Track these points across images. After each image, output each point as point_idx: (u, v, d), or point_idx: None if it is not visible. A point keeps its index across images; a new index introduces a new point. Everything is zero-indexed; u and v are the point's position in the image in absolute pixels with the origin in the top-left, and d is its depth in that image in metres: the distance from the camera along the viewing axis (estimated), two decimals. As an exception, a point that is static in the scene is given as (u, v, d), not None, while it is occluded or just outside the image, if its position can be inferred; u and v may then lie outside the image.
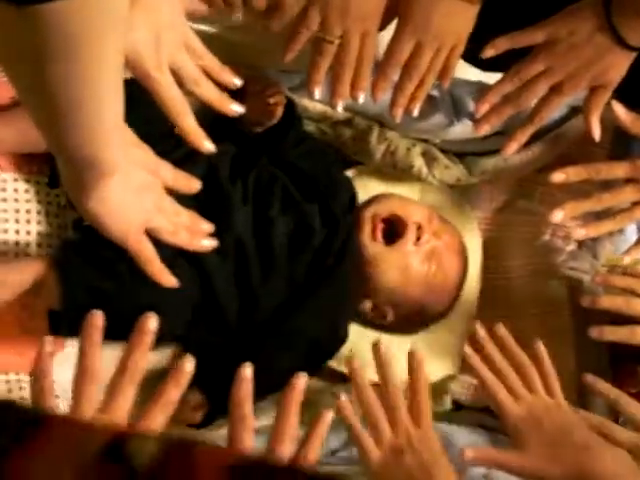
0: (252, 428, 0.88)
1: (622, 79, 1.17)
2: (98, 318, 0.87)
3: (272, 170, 1.23)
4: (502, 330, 1.16)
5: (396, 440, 1.01)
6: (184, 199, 1.06)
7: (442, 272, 1.27)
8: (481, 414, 1.20)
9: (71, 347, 1.08)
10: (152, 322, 0.87)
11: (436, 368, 1.26)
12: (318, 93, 1.15)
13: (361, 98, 1.15)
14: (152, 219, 0.99)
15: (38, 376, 0.87)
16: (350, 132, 1.31)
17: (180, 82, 0.94)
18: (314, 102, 1.25)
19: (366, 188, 1.32)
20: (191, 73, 0.96)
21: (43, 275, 1.05)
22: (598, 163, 1.22)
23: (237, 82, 1.02)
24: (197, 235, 1.04)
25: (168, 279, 1.01)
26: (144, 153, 0.96)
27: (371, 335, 1.28)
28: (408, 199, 1.32)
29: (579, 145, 1.31)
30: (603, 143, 1.27)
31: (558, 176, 1.19)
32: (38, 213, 1.14)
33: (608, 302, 1.19)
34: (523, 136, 1.21)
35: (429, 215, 1.27)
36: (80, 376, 0.85)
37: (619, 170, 1.20)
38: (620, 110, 1.19)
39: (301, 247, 1.21)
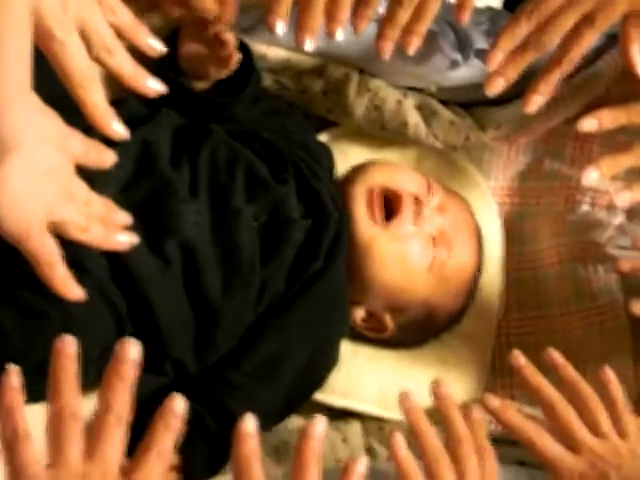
0: None
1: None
2: (69, 345, 0.81)
3: (230, 144, 1.09)
4: (555, 355, 1.01)
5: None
6: (109, 194, 0.94)
7: (452, 259, 1.13)
8: (518, 448, 1.01)
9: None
10: (133, 350, 0.82)
11: (454, 391, 1.04)
12: (281, 28, 0.98)
13: (339, 34, 0.99)
14: (58, 210, 0.87)
15: (6, 415, 0.79)
16: (321, 84, 1.16)
17: (88, 47, 0.85)
18: (273, 47, 1.11)
19: (344, 156, 1.19)
20: (104, 38, 0.86)
21: None
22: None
23: (158, 47, 0.91)
24: (112, 229, 0.92)
25: (73, 291, 0.88)
26: (51, 122, 0.86)
27: (364, 352, 1.16)
28: (399, 165, 1.19)
29: (619, 86, 1.16)
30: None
31: (589, 123, 1.06)
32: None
33: None
34: (548, 85, 1.05)
35: (429, 184, 1.13)
36: (57, 418, 0.79)
37: None
38: None
39: (276, 246, 1.07)
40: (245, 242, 1.05)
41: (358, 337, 1.15)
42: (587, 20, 1.02)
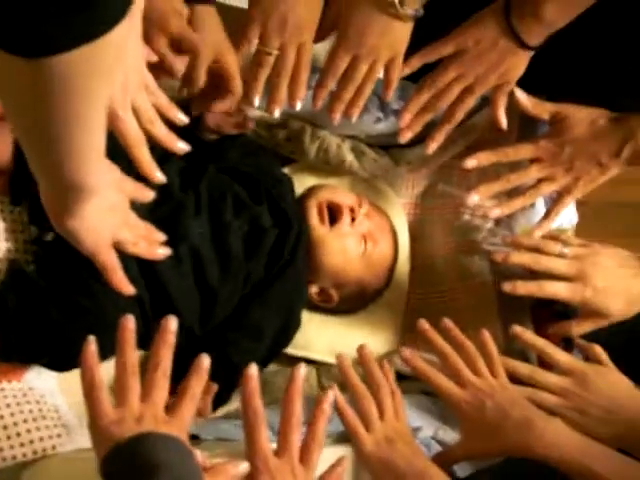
0: (264, 420, 0.94)
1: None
2: (130, 321, 0.94)
3: (221, 178, 1.26)
4: (448, 322, 1.19)
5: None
6: (142, 213, 1.10)
7: (377, 250, 1.33)
8: (422, 382, 1.21)
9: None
10: (173, 323, 0.95)
11: (378, 344, 1.33)
12: (258, 101, 1.19)
13: (298, 106, 1.19)
14: (118, 233, 1.03)
15: (86, 372, 0.91)
16: (284, 133, 1.35)
17: (137, 119, 0.99)
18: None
19: (301, 183, 1.37)
20: (148, 114, 1.00)
21: None
22: (505, 147, 1.28)
23: (183, 119, 1.06)
24: (153, 245, 1.08)
25: (128, 288, 1.06)
26: (114, 173, 1.00)
27: (317, 318, 1.36)
28: (339, 188, 1.37)
29: (490, 131, 1.35)
30: (511, 128, 1.32)
31: (470, 162, 1.27)
32: (5, 230, 1.17)
33: (517, 258, 1.25)
34: (441, 135, 1.27)
35: (359, 200, 1.33)
36: (123, 371, 0.91)
37: (524, 152, 1.28)
38: (522, 96, 1.27)
39: (256, 247, 1.24)
40: (234, 245, 1.22)
41: (312, 307, 1.33)
42: (468, 90, 1.23)
